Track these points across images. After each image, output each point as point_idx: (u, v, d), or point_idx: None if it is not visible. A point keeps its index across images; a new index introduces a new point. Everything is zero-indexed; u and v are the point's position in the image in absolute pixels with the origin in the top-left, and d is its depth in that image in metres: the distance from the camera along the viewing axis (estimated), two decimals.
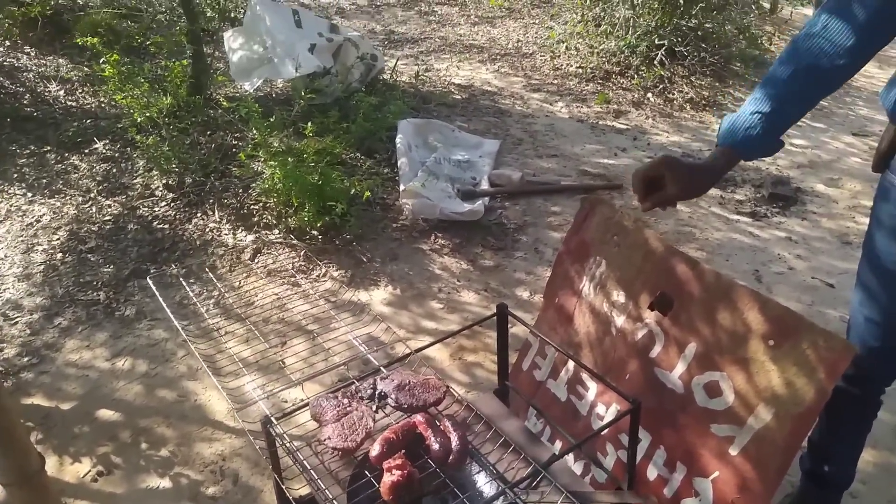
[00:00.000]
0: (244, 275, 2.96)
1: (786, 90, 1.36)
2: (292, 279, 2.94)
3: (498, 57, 5.84)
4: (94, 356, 2.55)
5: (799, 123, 4.88)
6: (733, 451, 1.71)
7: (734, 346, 1.75)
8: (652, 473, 1.87)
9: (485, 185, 3.67)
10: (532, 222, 3.45)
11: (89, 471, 2.11)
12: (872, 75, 6.11)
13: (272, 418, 1.32)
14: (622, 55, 5.45)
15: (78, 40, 4.11)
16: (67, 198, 3.49)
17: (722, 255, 3.23)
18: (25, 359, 2.53)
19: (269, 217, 3.28)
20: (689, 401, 1.80)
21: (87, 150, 3.88)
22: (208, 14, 4.86)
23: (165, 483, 2.09)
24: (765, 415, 1.66)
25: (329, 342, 2.10)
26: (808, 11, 7.27)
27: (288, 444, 1.32)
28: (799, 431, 1.63)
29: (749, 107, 1.38)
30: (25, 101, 4.36)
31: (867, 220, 3.83)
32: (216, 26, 4.81)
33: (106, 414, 2.31)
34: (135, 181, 3.61)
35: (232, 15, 5.10)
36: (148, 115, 3.62)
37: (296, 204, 3.16)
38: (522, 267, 3.11)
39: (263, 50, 4.33)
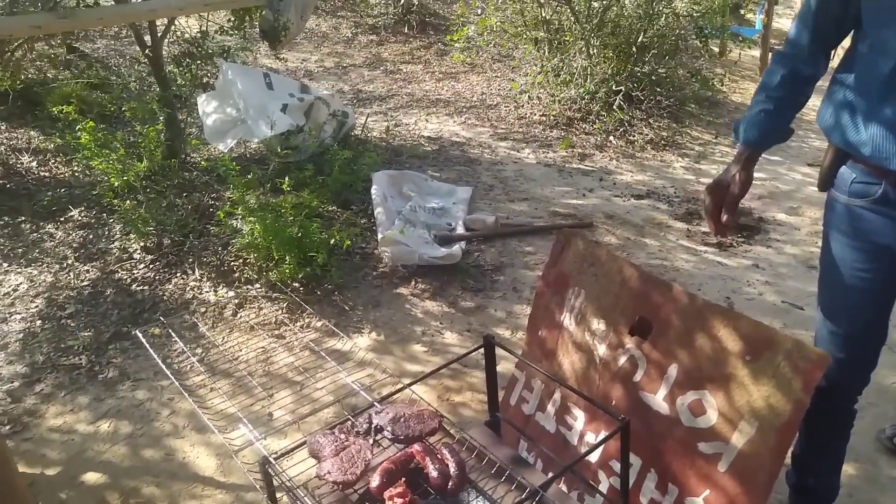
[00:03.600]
0: (227, 330, 2.97)
1: (776, 94, 1.70)
2: (276, 332, 2.95)
3: (464, 109, 6.02)
4: (77, 420, 2.52)
5: None
6: (721, 468, 1.75)
7: (713, 364, 1.81)
8: (645, 497, 1.90)
9: (460, 230, 3.75)
10: (509, 263, 3.53)
11: None
12: None
13: (269, 458, 1.34)
14: (582, 102, 5.67)
15: (52, 109, 4.16)
16: (44, 265, 3.48)
17: (693, 284, 3.33)
18: (6, 427, 2.48)
19: (250, 272, 3.31)
20: (676, 422, 1.85)
21: (62, 219, 3.89)
22: (179, 81, 4.97)
23: None
24: (748, 429, 1.72)
25: (317, 390, 2.11)
26: (756, 53, 7.66)
27: (288, 483, 1.33)
28: (782, 443, 1.68)
29: (753, 108, 1.73)
30: None
31: None
32: (188, 91, 4.92)
33: (92, 477, 2.27)
34: (112, 246, 3.62)
35: (204, 80, 5.22)
36: (125, 178, 3.65)
37: (276, 257, 3.19)
38: (502, 306, 3.17)
39: (237, 112, 4.43)
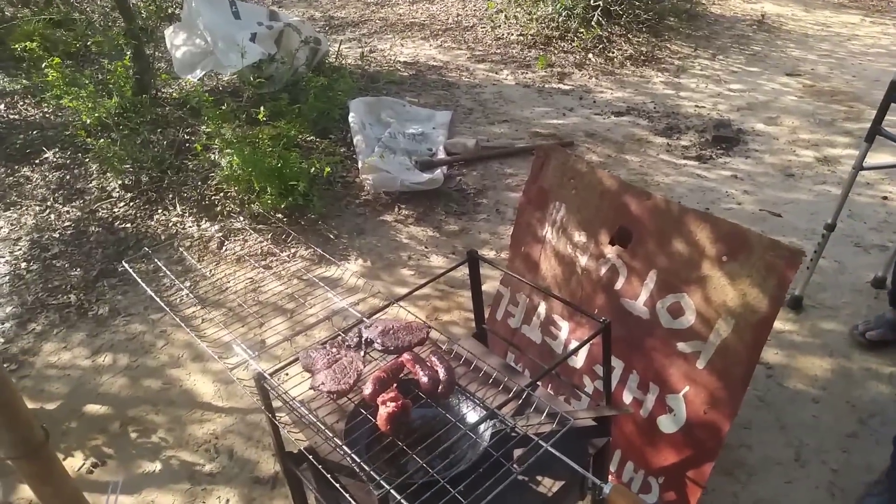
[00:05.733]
0: (214, 263, 2.98)
1: None
2: (263, 262, 2.97)
3: (440, 32, 5.89)
4: (73, 356, 2.56)
5: (734, 69, 5.06)
6: (700, 366, 1.83)
7: (691, 266, 1.87)
8: (627, 398, 1.99)
9: (441, 155, 3.74)
10: (491, 185, 3.54)
11: (83, 464, 2.14)
12: (800, 18, 6.35)
13: (264, 373, 1.38)
14: (560, 19, 5.55)
15: (15, 47, 4.02)
16: (24, 209, 3.44)
17: (674, 197, 3.36)
18: (3, 366, 2.52)
19: (232, 205, 3.30)
20: (655, 324, 1.92)
21: (37, 161, 3.82)
22: (143, 14, 4.79)
23: (160, 466, 2.13)
24: (725, 327, 1.79)
25: (309, 316, 2.14)
26: None
27: (283, 395, 1.38)
28: (758, 339, 1.75)
29: None
30: None
31: (807, 153, 4.03)
32: (154, 24, 4.75)
33: (93, 408, 2.33)
34: (90, 185, 3.58)
35: (170, 11, 5.03)
36: (97, 115, 3.58)
37: (257, 189, 3.18)
38: (486, 228, 3.20)
39: (205, 44, 4.30)
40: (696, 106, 4.44)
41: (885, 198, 3.33)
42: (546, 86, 4.78)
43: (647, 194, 2.02)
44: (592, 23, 5.41)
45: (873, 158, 3.14)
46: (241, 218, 3.22)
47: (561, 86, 4.79)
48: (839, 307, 2.62)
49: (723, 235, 1.80)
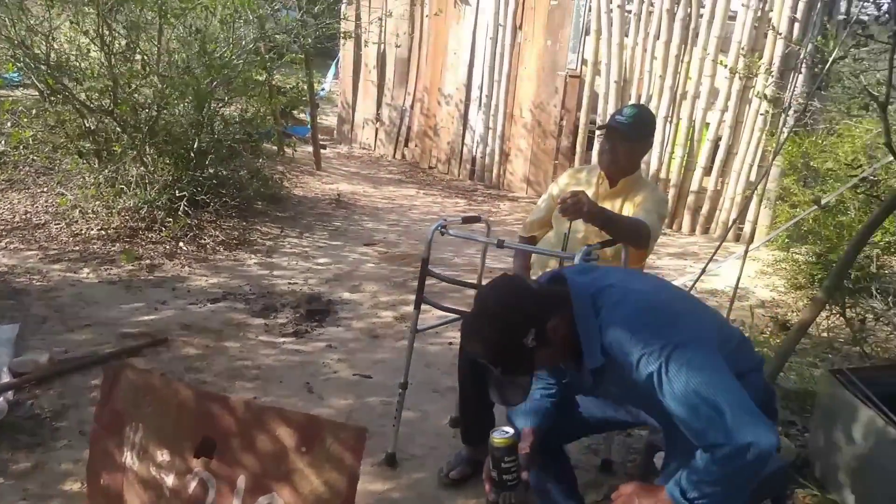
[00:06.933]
0: None
1: None
2: None
3: (4, 233, 5.24)
4: None
5: (320, 244, 5.58)
6: None
7: (277, 463, 1.91)
8: None
9: (5, 378, 3.21)
10: (72, 404, 3.14)
11: None
12: (371, 194, 7.40)
13: None
14: (144, 211, 5.46)
15: None
16: None
17: (275, 378, 3.44)
18: None
19: None
20: None
21: None
22: None
23: None
24: None
25: None
26: (310, 149, 8.44)
27: None
28: None
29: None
30: None
31: (387, 314, 4.50)
32: None
33: None
34: None
35: None
36: None
37: None
38: (68, 456, 2.79)
39: None
40: (290, 283, 4.73)
41: (451, 343, 3.94)
42: (135, 280, 4.58)
43: (224, 399, 2.03)
44: (180, 212, 5.45)
45: (434, 313, 3.72)
46: None
47: (151, 278, 4.64)
48: (427, 454, 2.92)
49: (298, 428, 1.90)
